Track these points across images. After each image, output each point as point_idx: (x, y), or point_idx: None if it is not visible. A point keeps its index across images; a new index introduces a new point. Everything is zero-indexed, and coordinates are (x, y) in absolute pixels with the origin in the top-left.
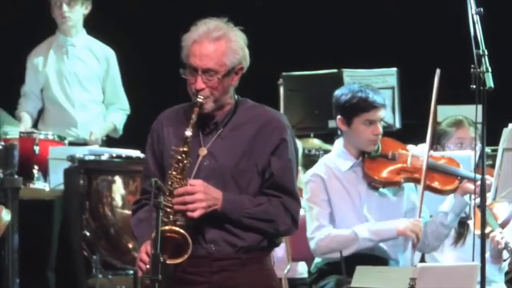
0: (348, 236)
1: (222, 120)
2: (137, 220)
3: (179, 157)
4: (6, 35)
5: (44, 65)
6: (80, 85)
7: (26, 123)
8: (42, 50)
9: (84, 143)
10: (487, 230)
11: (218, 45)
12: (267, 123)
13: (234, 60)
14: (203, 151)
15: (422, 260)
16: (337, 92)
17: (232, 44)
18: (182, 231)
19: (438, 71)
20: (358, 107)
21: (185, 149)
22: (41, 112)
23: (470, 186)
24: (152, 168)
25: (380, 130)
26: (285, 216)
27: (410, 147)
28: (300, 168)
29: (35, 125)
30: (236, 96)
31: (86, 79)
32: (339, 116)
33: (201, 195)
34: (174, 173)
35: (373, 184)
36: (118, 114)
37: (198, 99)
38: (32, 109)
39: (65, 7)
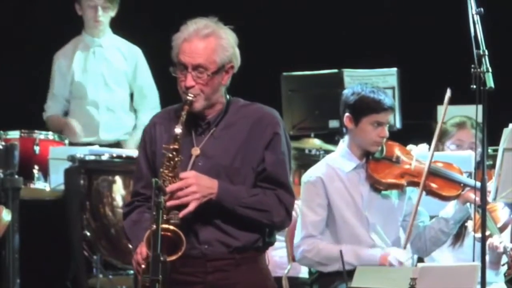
0: (333, 254)
1: (214, 119)
2: (131, 222)
3: (170, 155)
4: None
5: (70, 66)
6: (106, 87)
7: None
8: (68, 51)
9: (108, 145)
10: (486, 233)
11: (207, 42)
12: (260, 120)
13: (224, 57)
14: (196, 151)
15: (421, 260)
16: (348, 90)
17: (222, 41)
18: (174, 228)
19: (449, 90)
20: (369, 107)
21: (175, 146)
22: (65, 114)
23: (472, 196)
24: (144, 170)
25: (387, 133)
26: (279, 208)
27: (411, 147)
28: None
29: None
30: (227, 96)
31: (112, 80)
32: (347, 114)
33: (194, 187)
34: (166, 171)
35: (376, 186)
36: (148, 115)
37: (188, 97)
38: (60, 112)
39: (100, 11)
